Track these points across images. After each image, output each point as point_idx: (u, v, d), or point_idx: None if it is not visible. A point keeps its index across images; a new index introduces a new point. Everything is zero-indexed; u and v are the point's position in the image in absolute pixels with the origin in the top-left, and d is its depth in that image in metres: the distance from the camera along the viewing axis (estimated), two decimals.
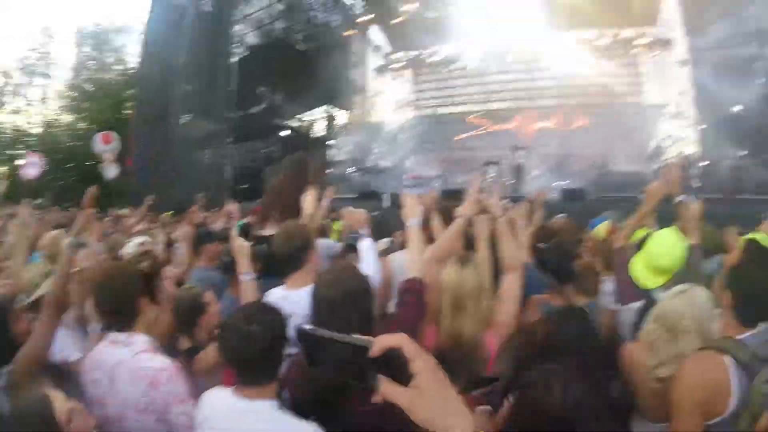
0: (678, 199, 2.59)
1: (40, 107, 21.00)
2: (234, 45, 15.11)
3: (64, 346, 2.12)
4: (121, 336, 1.89)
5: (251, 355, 1.55)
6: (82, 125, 20.12)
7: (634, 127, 14.86)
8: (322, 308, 1.77)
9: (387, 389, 0.68)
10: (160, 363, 1.84)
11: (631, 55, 16.45)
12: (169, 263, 3.38)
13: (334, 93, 17.00)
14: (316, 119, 18.51)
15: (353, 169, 16.49)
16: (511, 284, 2.21)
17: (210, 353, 2.16)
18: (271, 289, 2.38)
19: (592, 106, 16.05)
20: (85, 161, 17.28)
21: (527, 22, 15.09)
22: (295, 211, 3.22)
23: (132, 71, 19.48)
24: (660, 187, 2.68)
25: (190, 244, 3.44)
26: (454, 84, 19.07)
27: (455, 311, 2.05)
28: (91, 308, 2.19)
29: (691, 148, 13.15)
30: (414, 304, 1.99)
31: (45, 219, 5.91)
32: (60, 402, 1.37)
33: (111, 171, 12.78)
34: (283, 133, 15.70)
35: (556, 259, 2.68)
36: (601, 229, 3.75)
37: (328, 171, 15.09)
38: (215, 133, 14.14)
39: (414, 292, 2.02)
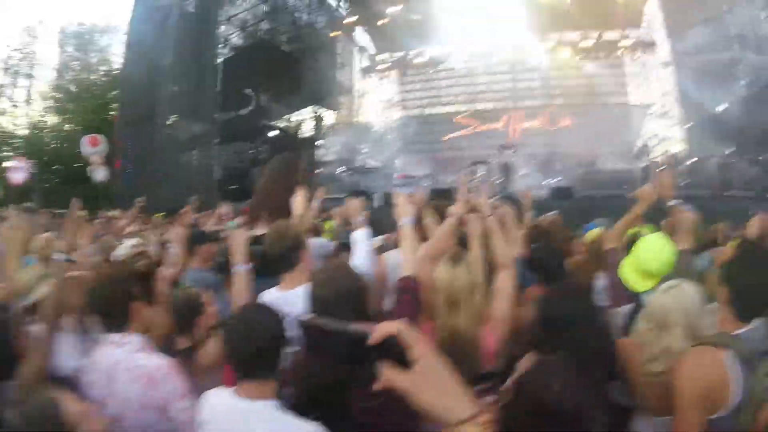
0: (670, 203, 2.63)
1: (26, 109, 20.62)
2: (219, 46, 14.96)
3: (65, 353, 2.11)
4: (116, 337, 1.90)
5: (252, 351, 1.57)
6: (67, 127, 19.79)
7: (621, 126, 15.11)
8: (317, 307, 1.79)
9: (387, 375, 0.70)
10: (157, 361, 1.86)
11: (615, 57, 16.69)
12: (162, 264, 3.36)
13: (320, 94, 16.98)
14: (304, 119, 18.45)
15: (343, 168, 16.49)
16: (505, 281, 2.23)
17: (210, 351, 2.16)
18: (265, 289, 2.39)
19: (578, 106, 16.25)
20: (72, 163, 17.01)
21: (512, 23, 15.21)
22: (284, 211, 3.22)
23: (117, 72, 19.21)
24: (652, 190, 2.70)
25: (183, 245, 3.42)
26: (441, 85, 19.21)
27: (449, 308, 2.07)
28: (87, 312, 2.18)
29: (676, 147, 13.37)
30: (409, 302, 2.02)
31: (35, 221, 5.82)
32: (71, 404, 1.38)
33: (100, 174, 12.64)
34: (271, 134, 15.62)
35: (546, 257, 2.72)
36: (593, 234, 3.79)
37: (317, 171, 15.06)
38: (202, 134, 14.00)
39: (409, 290, 2.05)
